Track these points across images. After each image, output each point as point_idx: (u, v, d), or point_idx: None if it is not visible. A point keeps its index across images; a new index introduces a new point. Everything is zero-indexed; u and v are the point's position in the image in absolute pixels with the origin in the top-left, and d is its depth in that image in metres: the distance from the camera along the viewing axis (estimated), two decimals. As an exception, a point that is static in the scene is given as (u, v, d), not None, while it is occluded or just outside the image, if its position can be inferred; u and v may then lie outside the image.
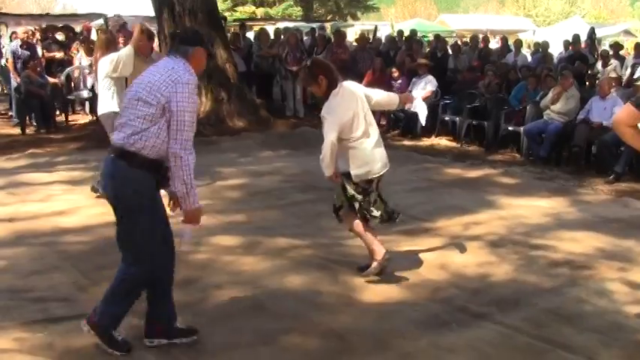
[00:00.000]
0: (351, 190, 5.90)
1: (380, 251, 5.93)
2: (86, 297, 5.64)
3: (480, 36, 20.08)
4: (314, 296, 5.64)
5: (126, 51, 8.49)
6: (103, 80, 8.53)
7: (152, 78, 4.45)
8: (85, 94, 15.17)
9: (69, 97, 14.97)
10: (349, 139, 5.79)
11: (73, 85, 14.78)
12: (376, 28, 23.44)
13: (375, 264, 5.94)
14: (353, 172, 5.83)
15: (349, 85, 5.97)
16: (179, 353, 4.71)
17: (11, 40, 16.51)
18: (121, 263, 4.79)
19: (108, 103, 8.53)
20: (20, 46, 14.66)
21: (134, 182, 4.48)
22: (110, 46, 8.84)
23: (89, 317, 4.72)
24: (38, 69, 14.34)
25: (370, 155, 5.85)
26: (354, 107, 5.81)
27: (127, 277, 4.73)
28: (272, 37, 18.44)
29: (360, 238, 6.06)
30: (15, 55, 14.61)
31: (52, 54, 15.23)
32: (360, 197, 5.90)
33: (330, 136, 5.68)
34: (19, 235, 7.31)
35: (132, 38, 9.06)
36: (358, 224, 5.98)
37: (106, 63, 8.45)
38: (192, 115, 4.43)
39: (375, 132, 5.93)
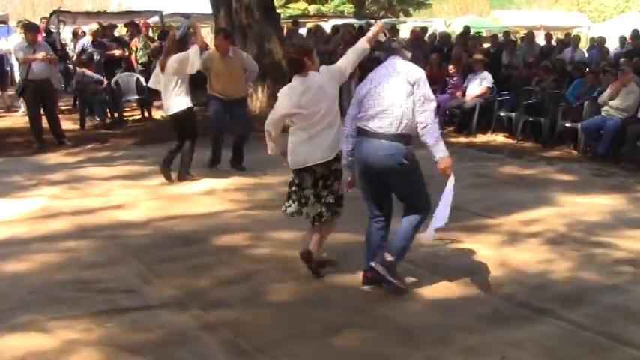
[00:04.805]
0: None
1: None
2: (150, 288, 5.78)
3: (537, 33, 19.85)
4: (377, 291, 5.65)
5: (195, 49, 9.13)
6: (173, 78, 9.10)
7: None
8: (135, 97, 15.33)
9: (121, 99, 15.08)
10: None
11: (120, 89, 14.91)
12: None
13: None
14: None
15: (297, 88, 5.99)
16: (245, 344, 4.77)
17: (75, 37, 16.80)
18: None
19: (184, 100, 9.21)
20: (91, 43, 14.98)
21: None
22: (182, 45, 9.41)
23: (382, 261, 5.46)
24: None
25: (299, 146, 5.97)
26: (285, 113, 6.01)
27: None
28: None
29: None
30: (84, 51, 14.88)
31: (112, 52, 15.43)
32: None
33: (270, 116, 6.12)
34: (82, 228, 7.47)
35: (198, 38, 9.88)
36: None
37: (178, 61, 9.05)
38: None
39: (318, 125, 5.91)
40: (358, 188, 5.79)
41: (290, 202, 6.12)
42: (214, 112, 10.18)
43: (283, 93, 6.06)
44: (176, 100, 9.18)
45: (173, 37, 9.79)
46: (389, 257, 5.48)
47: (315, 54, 6.18)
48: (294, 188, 6.09)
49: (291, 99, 5.92)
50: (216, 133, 10.12)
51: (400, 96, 5.32)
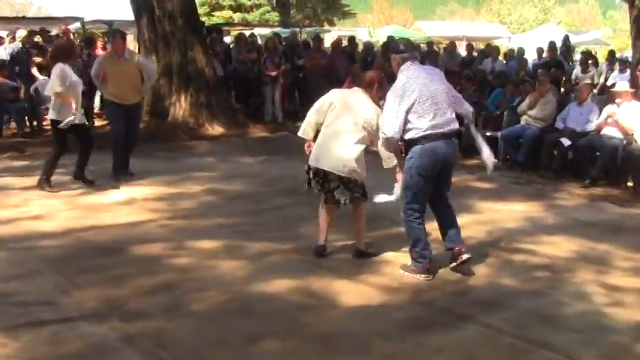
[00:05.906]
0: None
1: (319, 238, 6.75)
2: (69, 300, 5.63)
3: (459, 43, 20.21)
4: (299, 299, 5.67)
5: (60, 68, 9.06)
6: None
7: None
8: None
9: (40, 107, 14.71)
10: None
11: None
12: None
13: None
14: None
15: (352, 94, 6.66)
16: (166, 355, 4.71)
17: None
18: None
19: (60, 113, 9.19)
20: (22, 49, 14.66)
21: None
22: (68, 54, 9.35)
23: (461, 250, 6.30)
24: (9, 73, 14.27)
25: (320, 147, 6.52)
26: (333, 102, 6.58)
27: None
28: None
29: None
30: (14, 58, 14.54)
31: (33, 58, 15.11)
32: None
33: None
34: (-3, 239, 7.26)
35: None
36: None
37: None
38: None
39: (344, 135, 6.44)
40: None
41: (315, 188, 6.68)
42: (113, 119, 10.26)
43: (330, 91, 6.74)
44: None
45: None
46: (464, 250, 6.34)
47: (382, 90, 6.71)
48: (317, 178, 6.60)
49: (328, 97, 6.61)
50: (116, 140, 10.07)
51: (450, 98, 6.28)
